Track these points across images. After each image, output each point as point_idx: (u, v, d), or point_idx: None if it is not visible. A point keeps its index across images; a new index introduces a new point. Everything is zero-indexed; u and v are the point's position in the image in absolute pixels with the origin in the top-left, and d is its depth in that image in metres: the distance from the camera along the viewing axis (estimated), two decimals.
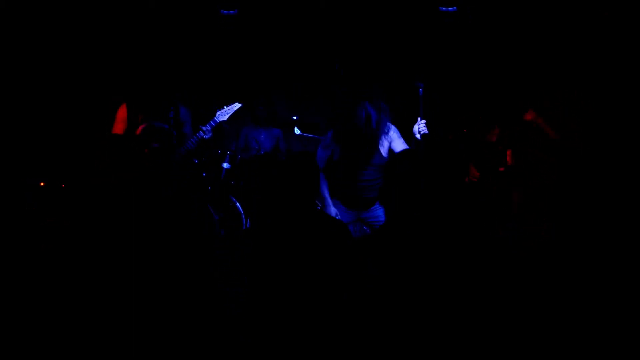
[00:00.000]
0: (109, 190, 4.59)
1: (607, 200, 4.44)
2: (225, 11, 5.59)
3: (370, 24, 5.84)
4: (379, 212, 4.28)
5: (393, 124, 4.30)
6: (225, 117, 4.78)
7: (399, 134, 4.30)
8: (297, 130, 5.90)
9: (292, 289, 2.74)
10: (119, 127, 4.53)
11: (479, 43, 5.73)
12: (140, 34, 5.66)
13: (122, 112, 4.53)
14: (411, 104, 4.36)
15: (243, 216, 5.56)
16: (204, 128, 4.62)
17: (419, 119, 4.18)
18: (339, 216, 4.20)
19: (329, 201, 4.23)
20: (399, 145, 4.26)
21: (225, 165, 5.66)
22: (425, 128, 4.16)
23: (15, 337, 3.31)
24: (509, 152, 4.75)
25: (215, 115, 4.74)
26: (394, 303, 2.67)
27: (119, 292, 3.76)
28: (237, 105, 4.83)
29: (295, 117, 6.03)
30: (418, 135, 4.16)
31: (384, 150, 4.23)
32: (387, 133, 4.24)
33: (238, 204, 5.56)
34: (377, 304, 2.70)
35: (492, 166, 4.79)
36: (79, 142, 5.47)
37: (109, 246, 4.27)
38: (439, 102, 5.39)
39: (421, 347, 2.60)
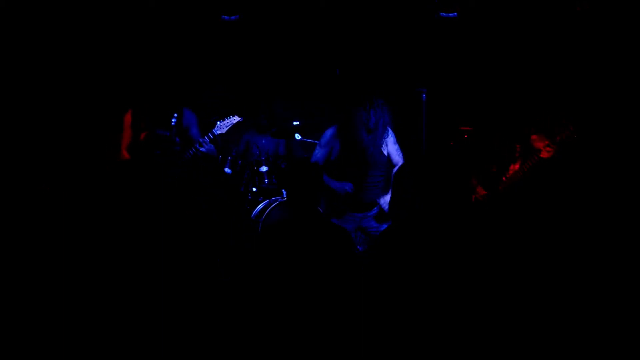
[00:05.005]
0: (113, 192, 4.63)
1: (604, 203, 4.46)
2: (226, 17, 5.60)
3: (371, 29, 5.85)
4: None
5: (392, 126, 4.33)
6: (224, 130, 4.81)
7: (395, 139, 4.32)
8: (298, 136, 5.91)
9: (295, 293, 2.75)
10: (127, 134, 4.57)
11: (482, 47, 5.74)
12: (144, 40, 5.68)
13: (127, 120, 4.58)
14: (413, 110, 4.38)
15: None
16: (201, 140, 4.65)
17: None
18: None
19: (336, 182, 4.24)
20: (394, 153, 4.28)
21: (226, 170, 5.68)
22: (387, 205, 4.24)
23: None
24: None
25: (214, 126, 4.76)
26: (394, 304, 2.67)
27: (121, 291, 3.79)
28: (235, 119, 4.85)
29: (296, 123, 6.03)
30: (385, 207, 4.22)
31: (384, 149, 4.26)
32: (387, 132, 4.27)
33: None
34: (377, 305, 2.70)
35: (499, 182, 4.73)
36: (83, 146, 5.50)
37: (113, 246, 4.29)
38: (443, 109, 5.39)
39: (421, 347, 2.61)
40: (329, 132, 4.33)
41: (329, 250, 2.82)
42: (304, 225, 2.92)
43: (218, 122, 4.80)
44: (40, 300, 3.72)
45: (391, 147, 4.29)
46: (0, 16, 5.17)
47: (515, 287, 3.02)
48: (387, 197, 4.30)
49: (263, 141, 6.02)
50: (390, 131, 4.31)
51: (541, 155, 4.51)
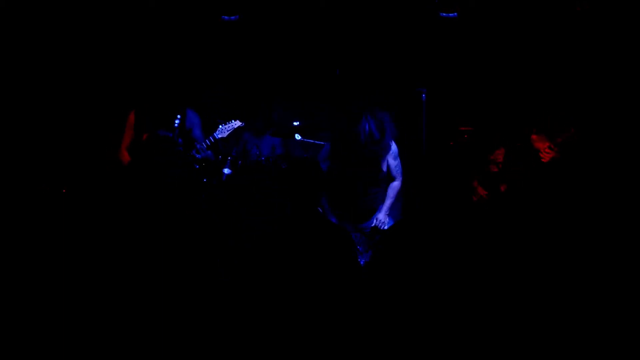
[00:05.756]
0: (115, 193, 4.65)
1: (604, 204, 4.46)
2: (226, 17, 5.60)
3: (371, 30, 5.85)
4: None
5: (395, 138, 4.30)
6: (225, 134, 4.85)
7: (397, 154, 4.29)
8: (297, 136, 5.91)
9: (296, 292, 2.75)
10: (129, 134, 4.60)
11: (482, 48, 5.74)
12: (144, 41, 5.69)
13: (131, 121, 4.59)
14: (413, 110, 4.38)
15: None
16: (198, 146, 4.68)
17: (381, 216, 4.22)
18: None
19: (329, 212, 4.25)
20: (393, 167, 4.27)
21: (226, 170, 5.66)
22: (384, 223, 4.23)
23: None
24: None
25: (216, 129, 4.79)
26: (394, 304, 2.67)
27: (122, 291, 3.79)
28: (237, 124, 4.90)
29: (296, 123, 6.03)
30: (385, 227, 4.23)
31: (384, 165, 4.24)
32: (389, 148, 4.24)
33: None
34: (378, 305, 2.70)
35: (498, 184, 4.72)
36: (83, 146, 5.51)
37: (114, 247, 4.30)
38: (443, 109, 5.39)
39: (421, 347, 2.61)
40: (328, 146, 4.33)
41: (330, 249, 2.82)
42: (304, 224, 2.91)
43: (220, 126, 4.83)
44: (41, 300, 3.72)
45: (391, 162, 4.28)
46: (1, 16, 5.18)
47: (515, 287, 3.03)
48: (381, 215, 4.26)
49: (263, 141, 6.02)
50: (393, 146, 4.28)
51: (541, 159, 4.52)
